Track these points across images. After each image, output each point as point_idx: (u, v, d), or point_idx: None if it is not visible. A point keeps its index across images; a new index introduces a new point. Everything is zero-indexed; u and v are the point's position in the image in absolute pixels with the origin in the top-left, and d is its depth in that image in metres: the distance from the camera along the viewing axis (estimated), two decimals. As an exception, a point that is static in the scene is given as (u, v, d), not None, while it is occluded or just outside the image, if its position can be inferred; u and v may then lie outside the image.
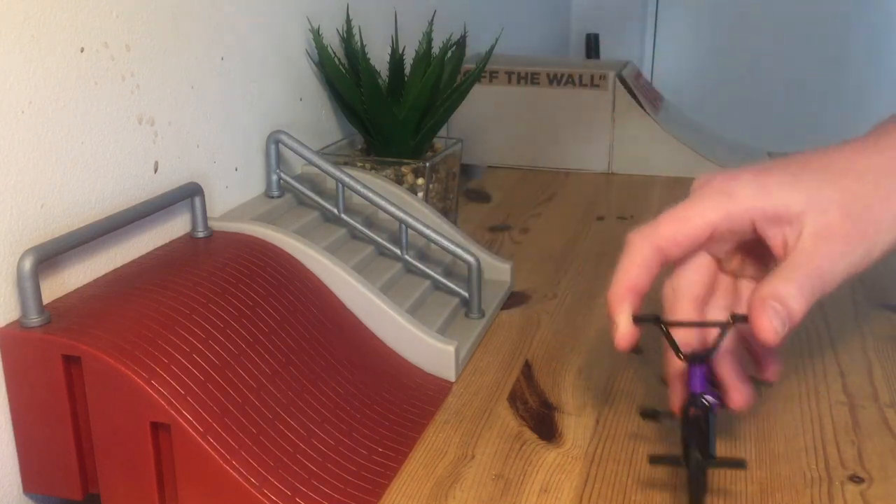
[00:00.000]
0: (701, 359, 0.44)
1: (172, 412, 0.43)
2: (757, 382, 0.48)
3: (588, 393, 0.57)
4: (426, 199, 0.79)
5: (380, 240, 0.68)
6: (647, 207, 0.98)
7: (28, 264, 0.46)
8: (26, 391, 0.46)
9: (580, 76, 1.11)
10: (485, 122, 1.13)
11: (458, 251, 0.66)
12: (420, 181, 0.79)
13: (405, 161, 0.79)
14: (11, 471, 0.48)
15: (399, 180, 0.78)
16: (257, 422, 0.46)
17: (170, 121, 0.60)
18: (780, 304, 0.41)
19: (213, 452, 0.43)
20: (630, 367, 0.61)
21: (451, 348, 0.59)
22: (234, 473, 0.43)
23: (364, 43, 0.81)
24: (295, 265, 0.60)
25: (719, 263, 0.48)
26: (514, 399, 0.57)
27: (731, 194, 0.44)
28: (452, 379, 0.59)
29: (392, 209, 0.66)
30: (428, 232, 0.66)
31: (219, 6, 0.65)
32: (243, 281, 0.55)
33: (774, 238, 0.44)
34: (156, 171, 0.59)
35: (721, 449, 0.51)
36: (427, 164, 0.78)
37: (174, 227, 0.61)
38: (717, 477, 0.48)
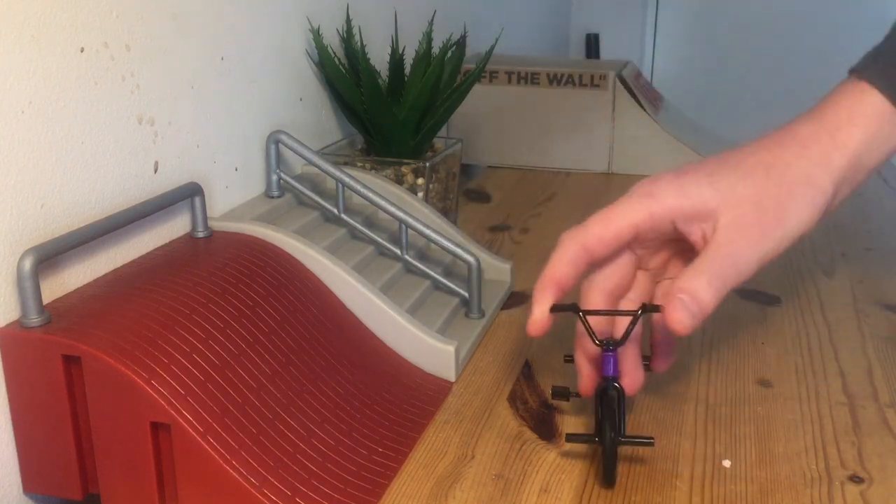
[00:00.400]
0: (615, 345, 0.47)
1: (172, 412, 0.43)
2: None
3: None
4: (426, 199, 0.79)
5: (380, 240, 0.68)
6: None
7: (28, 264, 0.46)
8: (26, 391, 0.46)
9: (580, 76, 1.11)
10: (485, 122, 1.13)
11: (458, 251, 0.66)
12: (420, 181, 0.79)
13: (405, 161, 0.79)
14: (11, 471, 0.48)
15: (399, 180, 0.78)
16: (257, 422, 0.46)
17: (170, 121, 0.60)
18: (689, 296, 0.44)
19: (213, 452, 0.43)
20: (630, 367, 0.61)
21: (451, 348, 0.59)
22: (234, 473, 0.43)
23: (364, 43, 0.81)
24: (295, 265, 0.60)
25: (641, 261, 0.51)
26: (514, 399, 0.57)
27: (653, 195, 0.48)
28: (452, 379, 0.59)
29: (392, 209, 0.66)
30: (428, 232, 0.66)
31: (219, 6, 0.65)
32: (243, 281, 0.55)
33: (694, 234, 0.47)
34: (156, 171, 0.59)
35: (721, 448, 0.51)
36: (427, 164, 0.78)
37: (174, 227, 0.61)
38: (716, 477, 0.48)
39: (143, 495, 0.45)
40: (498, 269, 0.74)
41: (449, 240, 0.67)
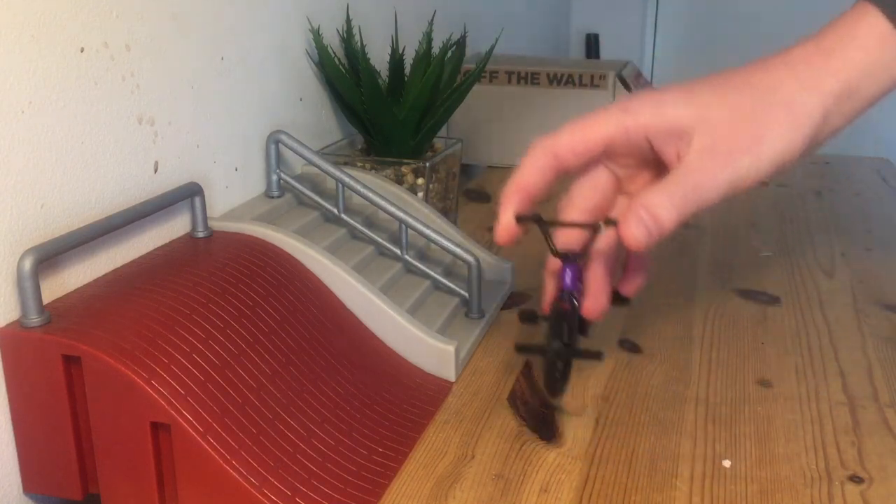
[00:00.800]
0: (573, 258, 0.47)
1: (172, 412, 0.43)
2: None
3: (588, 393, 0.57)
4: (426, 199, 0.79)
5: (380, 240, 0.68)
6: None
7: (28, 264, 0.46)
8: (26, 391, 0.46)
9: (580, 76, 1.11)
10: (485, 122, 1.13)
11: (458, 251, 0.66)
12: (420, 181, 0.79)
13: (405, 161, 0.79)
14: (11, 471, 0.48)
15: (399, 180, 0.78)
16: (257, 422, 0.46)
17: (170, 121, 0.60)
18: (647, 212, 0.43)
19: (213, 452, 0.43)
20: (630, 367, 0.61)
21: (451, 348, 0.59)
22: (234, 473, 0.43)
23: (364, 43, 0.81)
24: (295, 265, 0.60)
25: (622, 184, 0.50)
26: (515, 399, 0.57)
27: (629, 110, 0.46)
28: (452, 379, 0.59)
29: (392, 209, 0.66)
30: (428, 232, 0.66)
31: (219, 6, 0.65)
32: (243, 281, 0.55)
33: (669, 154, 0.45)
34: (156, 171, 0.59)
35: (721, 448, 0.51)
36: (427, 164, 0.78)
37: (174, 227, 0.61)
38: (716, 477, 0.48)
39: (143, 495, 0.45)
40: (498, 269, 0.74)
41: (449, 240, 0.67)
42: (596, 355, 0.47)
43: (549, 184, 0.47)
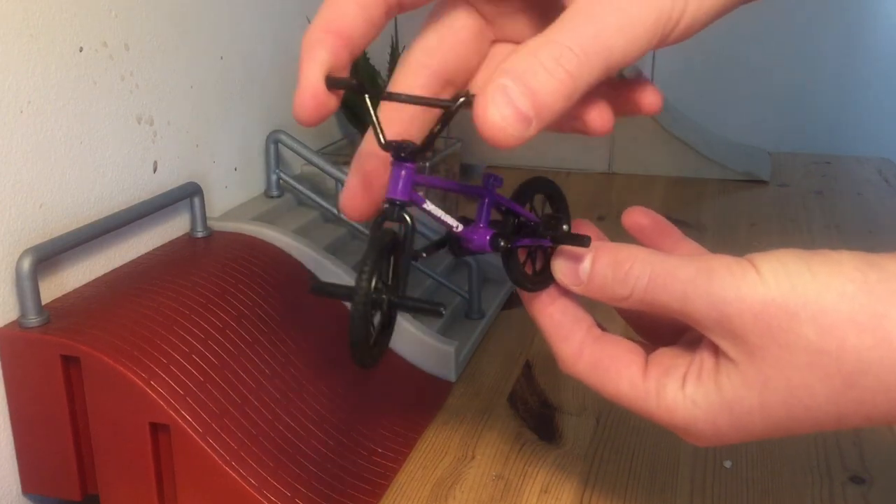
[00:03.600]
0: (410, 152, 0.30)
1: (172, 413, 0.43)
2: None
3: (588, 393, 0.57)
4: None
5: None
6: (647, 207, 0.98)
7: (27, 264, 0.46)
8: (25, 392, 0.46)
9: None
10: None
11: (458, 251, 0.66)
12: (420, 181, 0.79)
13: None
14: (10, 471, 0.48)
15: (399, 180, 0.78)
16: (257, 422, 0.46)
17: (169, 120, 0.60)
18: (515, 82, 0.27)
19: (212, 453, 0.43)
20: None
21: (451, 349, 0.59)
22: (234, 474, 0.43)
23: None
24: (295, 265, 0.60)
25: (496, 29, 0.34)
26: (514, 399, 0.57)
27: None
28: (453, 379, 0.59)
29: (392, 209, 0.66)
30: (428, 232, 0.66)
31: (219, 6, 0.65)
32: (243, 281, 0.55)
33: None
34: (155, 170, 0.59)
35: (721, 448, 0.51)
36: (427, 164, 0.78)
37: (173, 227, 0.61)
38: (717, 477, 0.48)
39: (142, 496, 0.45)
40: (498, 269, 0.74)
41: (449, 240, 0.67)
42: (433, 309, 0.30)
43: (377, 28, 0.32)
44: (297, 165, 0.75)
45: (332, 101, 0.30)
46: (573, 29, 0.28)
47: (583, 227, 0.36)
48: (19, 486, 0.48)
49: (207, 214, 0.62)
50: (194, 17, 0.62)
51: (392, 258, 0.31)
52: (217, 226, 0.62)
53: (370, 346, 0.30)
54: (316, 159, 0.68)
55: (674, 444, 0.51)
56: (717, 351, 0.31)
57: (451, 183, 0.35)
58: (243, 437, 0.45)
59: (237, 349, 0.49)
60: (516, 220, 0.34)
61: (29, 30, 0.47)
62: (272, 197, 0.70)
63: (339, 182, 0.67)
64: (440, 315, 0.30)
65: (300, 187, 0.69)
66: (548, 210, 0.37)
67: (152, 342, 0.46)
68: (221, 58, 0.66)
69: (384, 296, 0.30)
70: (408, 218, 0.31)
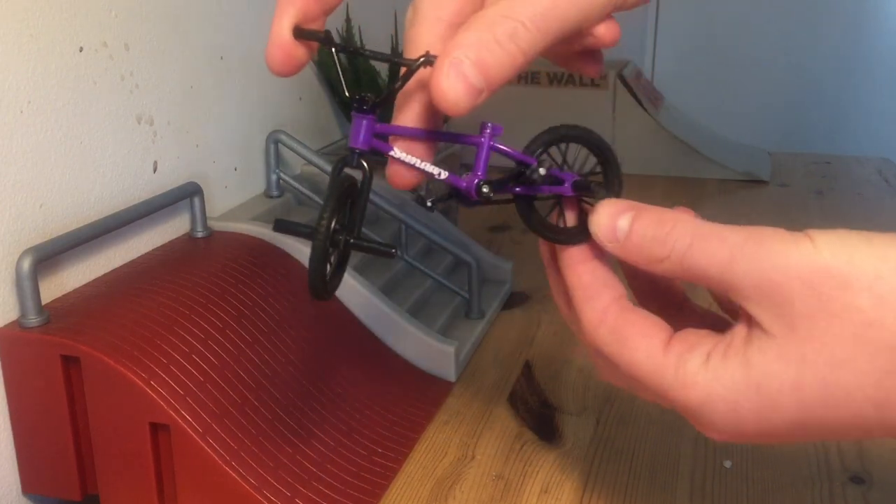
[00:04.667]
0: (372, 104, 0.32)
1: (172, 413, 0.43)
2: None
3: (588, 393, 0.57)
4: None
5: (380, 240, 0.68)
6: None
7: (27, 264, 0.46)
8: (25, 392, 0.46)
9: (580, 76, 1.11)
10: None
11: (458, 251, 0.66)
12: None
13: (405, 161, 0.79)
14: (10, 471, 0.48)
15: (399, 180, 0.78)
16: (257, 422, 0.46)
17: (169, 120, 0.60)
18: (469, 56, 0.28)
19: (212, 453, 0.43)
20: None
21: (451, 349, 0.59)
22: (234, 474, 0.43)
23: (364, 42, 0.81)
24: (295, 265, 0.60)
25: None
26: (515, 399, 0.57)
27: None
28: (453, 379, 0.59)
29: (392, 209, 0.66)
30: (428, 232, 0.66)
31: (218, 6, 0.65)
32: (243, 281, 0.55)
33: None
34: (155, 170, 0.59)
35: (721, 448, 0.51)
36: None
37: (173, 227, 0.61)
38: (717, 477, 0.48)
39: (142, 496, 0.45)
40: (498, 270, 0.74)
41: (449, 240, 0.67)
42: (386, 251, 0.33)
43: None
44: (297, 165, 0.75)
45: (301, 52, 0.31)
46: (530, 1, 0.29)
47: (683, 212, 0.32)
48: (19, 486, 0.48)
49: (207, 214, 0.62)
50: (194, 17, 0.62)
51: (350, 202, 0.33)
52: (217, 226, 0.62)
53: (325, 281, 0.32)
54: (316, 159, 0.68)
55: (674, 444, 0.51)
56: (750, 324, 0.29)
57: (436, 133, 0.33)
58: (243, 437, 0.45)
59: (237, 349, 0.49)
60: (525, 169, 0.34)
61: (29, 30, 0.47)
62: (272, 197, 0.70)
63: (339, 182, 0.67)
64: (391, 255, 0.33)
65: (300, 187, 0.69)
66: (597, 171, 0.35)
67: (152, 342, 0.46)
68: (221, 58, 0.66)
69: (341, 236, 0.32)
70: (365, 165, 0.33)
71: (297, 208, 0.70)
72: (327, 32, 0.32)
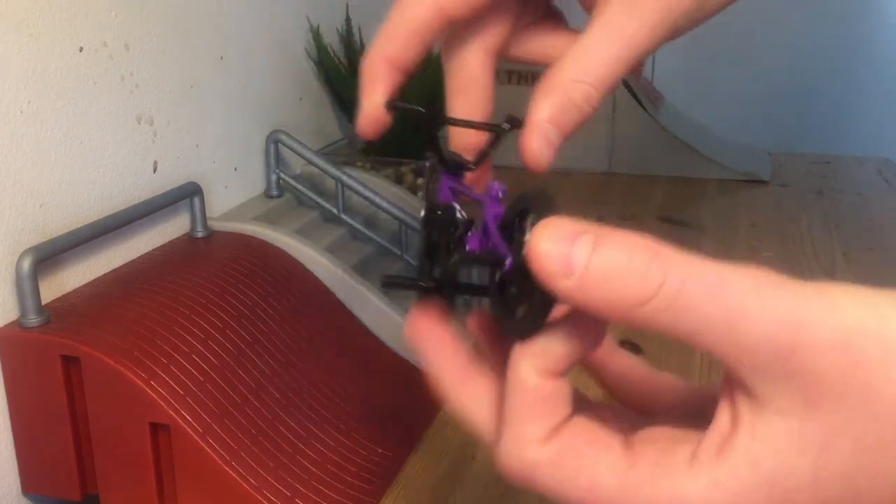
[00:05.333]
0: (465, 167, 0.33)
1: (172, 413, 0.43)
2: None
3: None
4: (426, 198, 0.79)
5: (380, 240, 0.68)
6: (647, 207, 0.98)
7: (27, 264, 0.46)
8: (25, 391, 0.46)
9: (580, 76, 1.10)
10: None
11: (459, 251, 0.66)
12: (420, 181, 0.79)
13: (405, 161, 0.79)
14: (10, 471, 0.48)
15: (399, 180, 0.78)
16: (257, 422, 0.46)
17: (169, 120, 0.60)
18: (552, 123, 0.31)
19: (212, 453, 0.43)
20: (630, 368, 0.60)
21: (451, 348, 0.59)
22: (234, 474, 0.43)
23: (364, 42, 0.81)
24: (295, 265, 0.60)
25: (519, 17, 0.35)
26: (515, 399, 0.57)
27: None
28: (452, 379, 0.59)
29: (392, 209, 0.66)
30: (428, 232, 0.66)
31: (218, 6, 0.65)
32: (243, 281, 0.55)
33: None
34: (155, 170, 0.59)
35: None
36: (427, 164, 0.78)
37: (173, 227, 0.61)
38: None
39: (142, 496, 0.45)
40: (498, 269, 0.74)
41: (449, 240, 0.67)
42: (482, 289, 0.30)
43: (429, 48, 0.33)
44: (297, 165, 0.75)
45: (389, 119, 0.33)
46: (598, 57, 0.30)
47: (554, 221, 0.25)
48: (19, 486, 0.48)
49: (207, 214, 0.62)
50: (194, 18, 0.62)
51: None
52: (217, 226, 0.62)
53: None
54: (316, 159, 0.68)
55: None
56: (754, 405, 0.22)
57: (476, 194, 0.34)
58: (243, 437, 0.45)
59: (237, 349, 0.49)
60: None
61: (29, 30, 0.47)
62: (272, 197, 0.69)
63: (339, 182, 0.67)
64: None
65: (300, 187, 0.69)
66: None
67: (152, 342, 0.46)
68: (221, 58, 0.66)
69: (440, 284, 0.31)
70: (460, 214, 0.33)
71: (298, 208, 0.70)
72: (419, 107, 0.33)
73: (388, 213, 0.66)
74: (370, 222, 0.72)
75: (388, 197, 0.68)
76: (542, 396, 0.25)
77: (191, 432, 0.43)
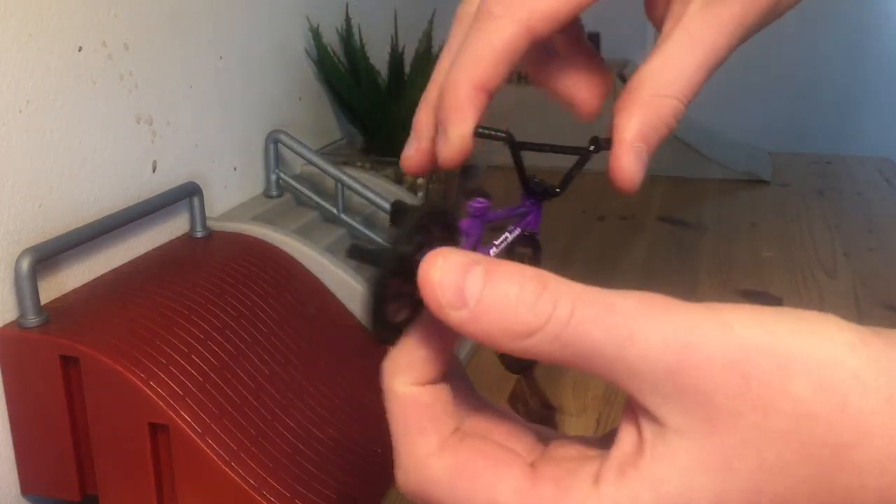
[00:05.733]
0: (551, 193, 0.36)
1: (171, 413, 0.43)
2: None
3: (588, 393, 0.57)
4: (426, 199, 0.79)
5: (380, 240, 0.68)
6: (648, 207, 0.98)
7: (26, 264, 0.45)
8: (24, 392, 0.46)
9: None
10: (484, 122, 1.13)
11: (458, 251, 0.66)
12: (420, 181, 0.79)
13: (405, 161, 0.79)
14: (9, 472, 0.48)
15: (399, 180, 0.78)
16: (256, 422, 0.46)
17: (168, 120, 0.60)
18: (644, 142, 0.32)
19: (211, 453, 0.43)
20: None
21: (451, 349, 0.59)
22: (233, 474, 0.43)
23: (364, 42, 0.81)
24: (294, 265, 0.60)
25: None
26: (515, 400, 0.57)
27: None
28: (452, 379, 0.59)
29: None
30: (428, 232, 0.66)
31: (218, 6, 0.65)
32: (242, 281, 0.55)
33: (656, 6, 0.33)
34: (154, 170, 0.59)
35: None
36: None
37: (173, 227, 0.61)
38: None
39: (141, 496, 0.45)
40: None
41: (449, 240, 0.67)
42: None
43: (515, 68, 0.32)
44: (297, 165, 0.75)
45: (472, 149, 0.33)
46: (681, 69, 0.31)
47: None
48: (18, 487, 0.48)
49: (207, 214, 0.62)
50: (194, 18, 0.62)
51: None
52: (216, 226, 0.62)
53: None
54: (316, 159, 0.68)
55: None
56: (646, 427, 0.22)
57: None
58: (243, 438, 0.45)
59: (237, 349, 0.49)
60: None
61: (28, 30, 0.47)
62: (272, 197, 0.69)
63: (339, 182, 0.67)
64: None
65: (300, 187, 0.69)
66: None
67: (152, 342, 0.46)
68: (221, 58, 0.66)
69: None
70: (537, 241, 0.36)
71: (297, 208, 0.70)
72: (507, 133, 0.34)
73: (388, 213, 0.66)
74: (370, 222, 0.72)
75: (388, 197, 0.68)
76: (423, 405, 0.25)
77: (190, 432, 0.43)
